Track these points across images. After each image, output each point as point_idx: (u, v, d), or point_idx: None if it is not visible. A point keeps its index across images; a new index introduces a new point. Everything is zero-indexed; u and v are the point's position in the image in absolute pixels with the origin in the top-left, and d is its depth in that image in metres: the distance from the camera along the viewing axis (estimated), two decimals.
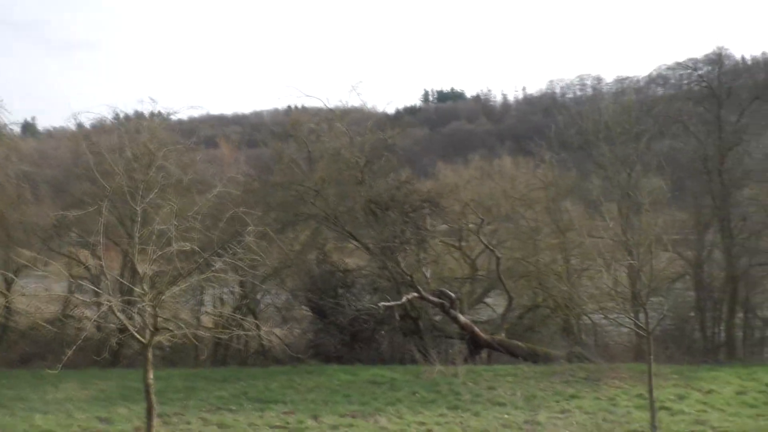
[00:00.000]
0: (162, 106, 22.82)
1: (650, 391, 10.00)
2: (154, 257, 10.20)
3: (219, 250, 10.52)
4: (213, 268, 10.53)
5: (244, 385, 14.56)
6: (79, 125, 22.05)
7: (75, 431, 10.69)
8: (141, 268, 10.23)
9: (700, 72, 20.35)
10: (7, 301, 16.78)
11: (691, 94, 20.97)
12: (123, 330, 16.48)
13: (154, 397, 9.77)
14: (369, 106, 17.92)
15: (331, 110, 17.62)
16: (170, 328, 10.11)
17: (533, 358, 17.73)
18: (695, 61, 23.06)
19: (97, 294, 10.38)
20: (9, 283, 17.46)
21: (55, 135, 34.02)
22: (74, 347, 8.99)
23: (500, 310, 23.74)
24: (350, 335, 18.46)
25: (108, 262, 19.38)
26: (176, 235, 10.26)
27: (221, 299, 20.37)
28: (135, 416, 11.54)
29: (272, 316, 20.93)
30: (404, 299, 16.40)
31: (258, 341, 18.66)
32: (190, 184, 13.16)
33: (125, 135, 14.43)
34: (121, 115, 20.61)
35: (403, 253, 17.38)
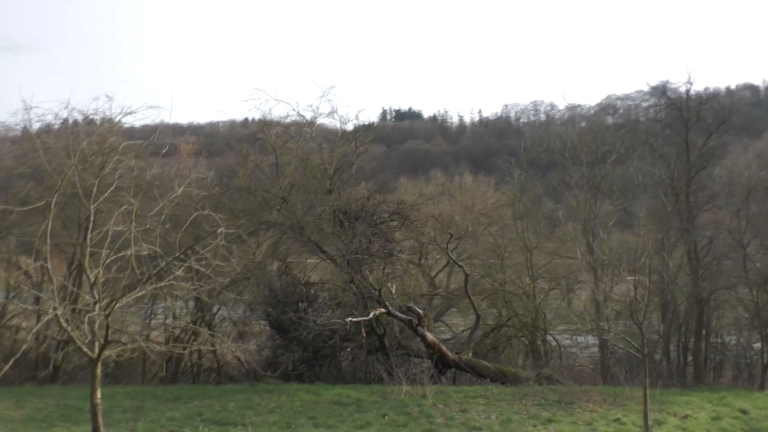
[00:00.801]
0: (118, 105, 21.23)
1: (645, 418, 9.54)
2: (108, 261, 9.22)
3: (181, 255, 9.58)
4: (174, 275, 9.62)
5: (198, 404, 13.46)
6: (24, 128, 20.44)
7: None
8: (92, 274, 9.22)
9: (650, 100, 20.57)
10: None
11: (659, 117, 21.20)
12: (66, 342, 15.12)
13: (101, 419, 8.71)
14: (340, 113, 17.14)
15: (300, 115, 16.85)
16: (123, 341, 9.08)
17: (501, 379, 17.18)
18: (660, 86, 23.48)
19: (40, 302, 9.20)
20: None
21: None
22: (11, 361, 7.87)
23: (457, 329, 23.29)
24: (312, 352, 17.56)
25: (38, 269, 17.90)
26: (134, 237, 9.31)
27: (173, 311, 19.12)
28: None
29: (227, 331, 19.78)
30: (372, 315, 15.62)
31: (212, 357, 17.49)
32: (149, 185, 12.09)
33: (77, 133, 13.30)
34: (75, 114, 19.09)
35: (370, 266, 16.63)
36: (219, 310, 19.17)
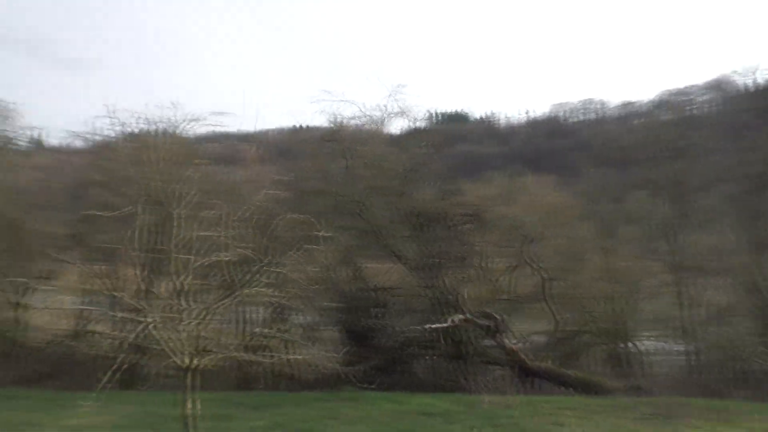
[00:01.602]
0: (184, 113, 21.13)
1: None
2: (196, 266, 8.95)
3: (274, 260, 9.27)
4: (262, 281, 9.31)
5: (278, 413, 13.10)
6: (86, 140, 20.80)
7: None
8: (179, 281, 8.96)
9: (706, 95, 19.25)
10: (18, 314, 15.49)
11: (752, 105, 19.87)
12: (140, 349, 15.01)
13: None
14: (412, 112, 16.65)
15: (369, 116, 16.42)
16: (214, 350, 8.77)
17: (585, 388, 16.31)
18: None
19: (136, 310, 9.01)
20: (21, 296, 16.18)
21: (64, 150, 32.68)
22: (110, 372, 7.67)
23: (525, 334, 22.33)
24: (388, 359, 17.08)
25: (123, 276, 18.03)
26: (222, 242, 9.04)
27: (245, 317, 18.97)
28: None
29: (299, 337, 19.52)
30: (451, 321, 15.04)
31: (287, 363, 17.22)
32: (233, 189, 11.91)
33: (158, 140, 13.45)
34: (142, 123, 19.26)
35: (446, 270, 16.04)
36: (292, 315, 18.91)
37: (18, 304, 16.81)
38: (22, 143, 21.11)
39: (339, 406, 13.57)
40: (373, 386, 16.01)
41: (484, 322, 16.13)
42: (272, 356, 10.58)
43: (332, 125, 16.61)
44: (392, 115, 16.61)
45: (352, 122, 16.81)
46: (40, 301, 17.69)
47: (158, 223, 16.55)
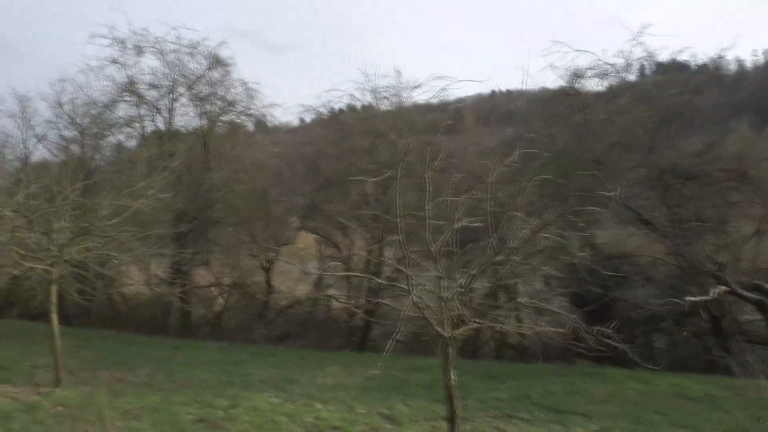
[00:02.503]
0: (405, 80, 21.00)
1: None
2: (450, 231, 8.58)
3: (519, 226, 8.62)
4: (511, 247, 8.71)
5: (517, 385, 12.58)
6: (317, 114, 21.84)
7: (363, 430, 9.50)
8: (433, 249, 8.68)
9: None
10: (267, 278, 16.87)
11: None
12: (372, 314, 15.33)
13: (458, 403, 8.13)
14: (664, 56, 14.59)
15: (609, 64, 14.73)
16: (474, 320, 8.38)
17: None
18: None
19: (408, 279, 8.96)
20: (269, 261, 17.66)
21: (292, 126, 35.30)
22: (393, 340, 7.72)
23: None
24: (627, 334, 15.62)
25: (354, 246, 18.73)
26: (472, 207, 8.56)
27: (464, 284, 18.74)
28: (421, 416, 10.13)
29: (524, 307, 18.83)
30: (713, 293, 13.10)
31: (517, 333, 16.63)
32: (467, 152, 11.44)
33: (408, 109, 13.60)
34: (367, 96, 19.68)
35: (703, 235, 14.00)
36: (518, 284, 18.23)
37: (267, 269, 18.46)
38: (261, 121, 22.98)
39: (579, 382, 12.63)
40: (608, 362, 14.74)
41: (754, 295, 13.83)
42: (521, 327, 9.98)
43: (567, 79, 15.25)
44: (636, 62, 14.75)
45: (589, 73, 15.24)
46: (283, 266, 19.28)
47: (400, 190, 16.98)
